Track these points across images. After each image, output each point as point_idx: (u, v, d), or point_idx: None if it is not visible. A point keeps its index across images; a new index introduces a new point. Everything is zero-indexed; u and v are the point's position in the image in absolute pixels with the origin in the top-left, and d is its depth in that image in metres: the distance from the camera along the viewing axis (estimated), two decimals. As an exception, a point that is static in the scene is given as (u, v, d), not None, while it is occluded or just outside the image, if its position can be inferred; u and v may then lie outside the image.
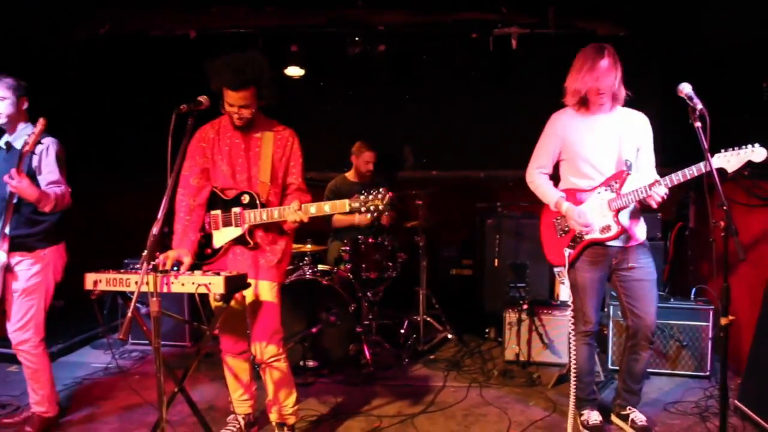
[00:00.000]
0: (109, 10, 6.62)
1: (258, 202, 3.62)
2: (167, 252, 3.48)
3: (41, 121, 3.81)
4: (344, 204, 3.39)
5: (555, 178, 4.06)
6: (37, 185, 3.88)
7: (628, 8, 6.07)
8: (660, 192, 3.53)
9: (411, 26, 6.53)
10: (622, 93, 3.72)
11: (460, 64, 6.84)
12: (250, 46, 3.62)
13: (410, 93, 7.01)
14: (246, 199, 3.65)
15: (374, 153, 6.14)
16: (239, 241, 3.68)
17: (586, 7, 6.27)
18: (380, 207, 3.32)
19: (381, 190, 3.35)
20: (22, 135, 3.94)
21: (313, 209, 3.46)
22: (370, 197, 3.33)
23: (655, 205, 3.61)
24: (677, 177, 3.48)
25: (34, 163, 3.93)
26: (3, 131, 4.05)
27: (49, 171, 3.96)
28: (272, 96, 3.64)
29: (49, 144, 3.99)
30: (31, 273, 3.98)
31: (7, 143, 4.02)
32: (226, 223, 3.69)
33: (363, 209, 3.34)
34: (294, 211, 3.45)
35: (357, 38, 6.50)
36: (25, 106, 4.03)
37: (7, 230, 3.87)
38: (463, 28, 6.50)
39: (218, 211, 3.71)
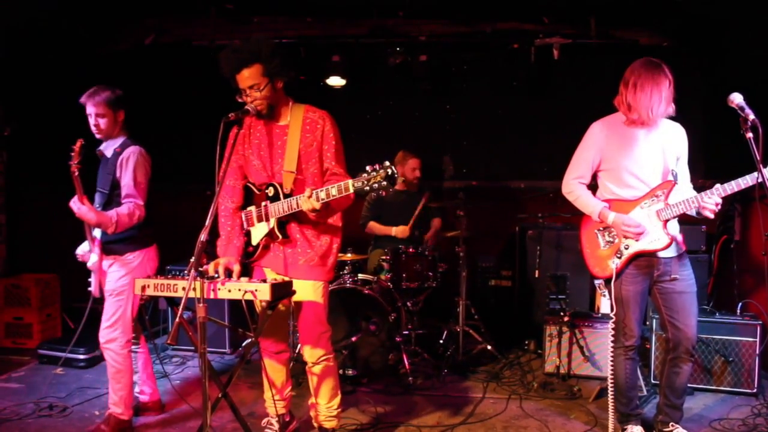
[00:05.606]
0: (154, 21, 6.77)
1: (281, 193, 3.50)
2: (216, 260, 3.48)
3: (78, 143, 3.76)
4: (348, 185, 3.15)
5: (590, 188, 3.99)
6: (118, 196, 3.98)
7: (670, 18, 6.01)
8: (715, 201, 3.49)
9: (452, 36, 6.57)
10: (670, 108, 3.68)
11: (500, 74, 6.84)
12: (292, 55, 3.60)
13: (451, 103, 7.02)
14: (271, 191, 3.54)
15: (419, 159, 6.17)
16: (271, 236, 3.58)
17: (628, 18, 6.23)
18: (383, 183, 3.06)
19: (385, 163, 3.08)
20: (113, 145, 4.04)
21: (323, 194, 3.23)
22: (372, 173, 3.07)
23: (711, 216, 3.56)
24: (731, 186, 3.42)
25: (117, 173, 3.97)
26: None
27: (125, 184, 3.97)
28: (281, 69, 3.45)
29: (130, 155, 3.99)
30: (120, 275, 4.04)
31: (99, 151, 4.09)
32: (259, 219, 3.60)
33: (366, 188, 3.10)
34: (306, 199, 3.29)
35: (398, 48, 6.51)
36: (122, 117, 4.06)
37: (96, 233, 3.97)
38: (504, 38, 6.51)
39: (252, 207, 3.65)
